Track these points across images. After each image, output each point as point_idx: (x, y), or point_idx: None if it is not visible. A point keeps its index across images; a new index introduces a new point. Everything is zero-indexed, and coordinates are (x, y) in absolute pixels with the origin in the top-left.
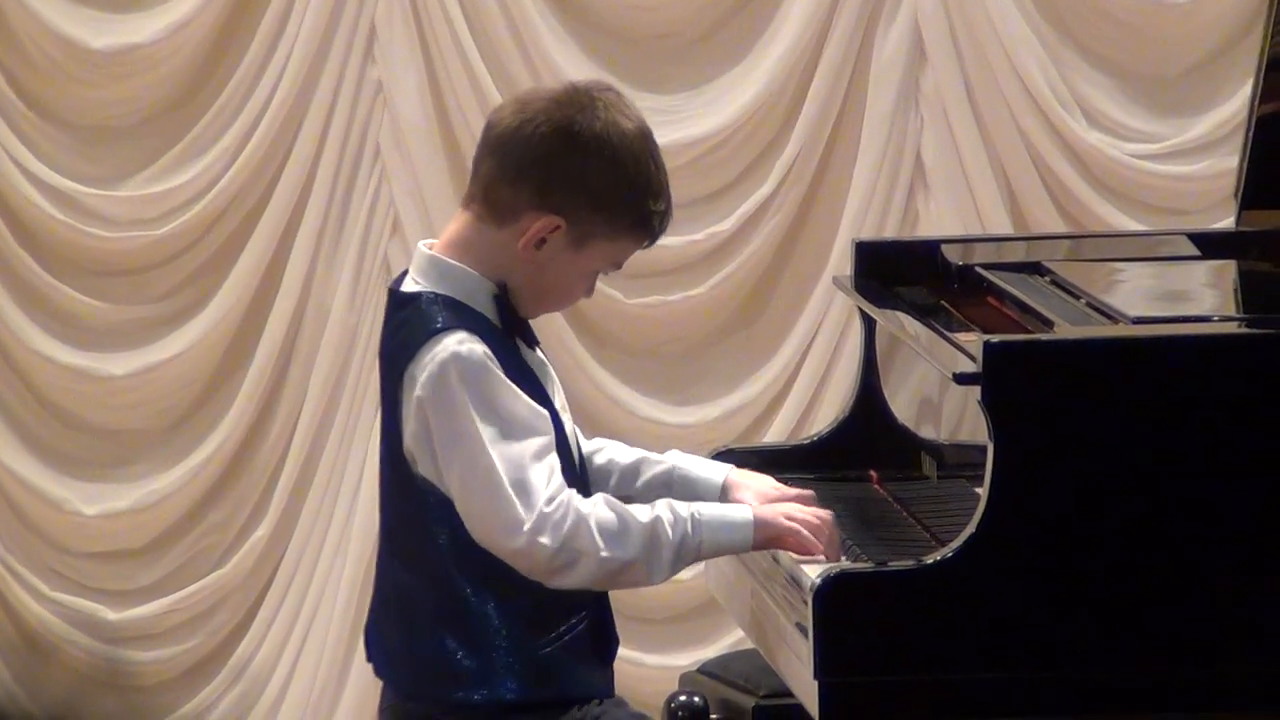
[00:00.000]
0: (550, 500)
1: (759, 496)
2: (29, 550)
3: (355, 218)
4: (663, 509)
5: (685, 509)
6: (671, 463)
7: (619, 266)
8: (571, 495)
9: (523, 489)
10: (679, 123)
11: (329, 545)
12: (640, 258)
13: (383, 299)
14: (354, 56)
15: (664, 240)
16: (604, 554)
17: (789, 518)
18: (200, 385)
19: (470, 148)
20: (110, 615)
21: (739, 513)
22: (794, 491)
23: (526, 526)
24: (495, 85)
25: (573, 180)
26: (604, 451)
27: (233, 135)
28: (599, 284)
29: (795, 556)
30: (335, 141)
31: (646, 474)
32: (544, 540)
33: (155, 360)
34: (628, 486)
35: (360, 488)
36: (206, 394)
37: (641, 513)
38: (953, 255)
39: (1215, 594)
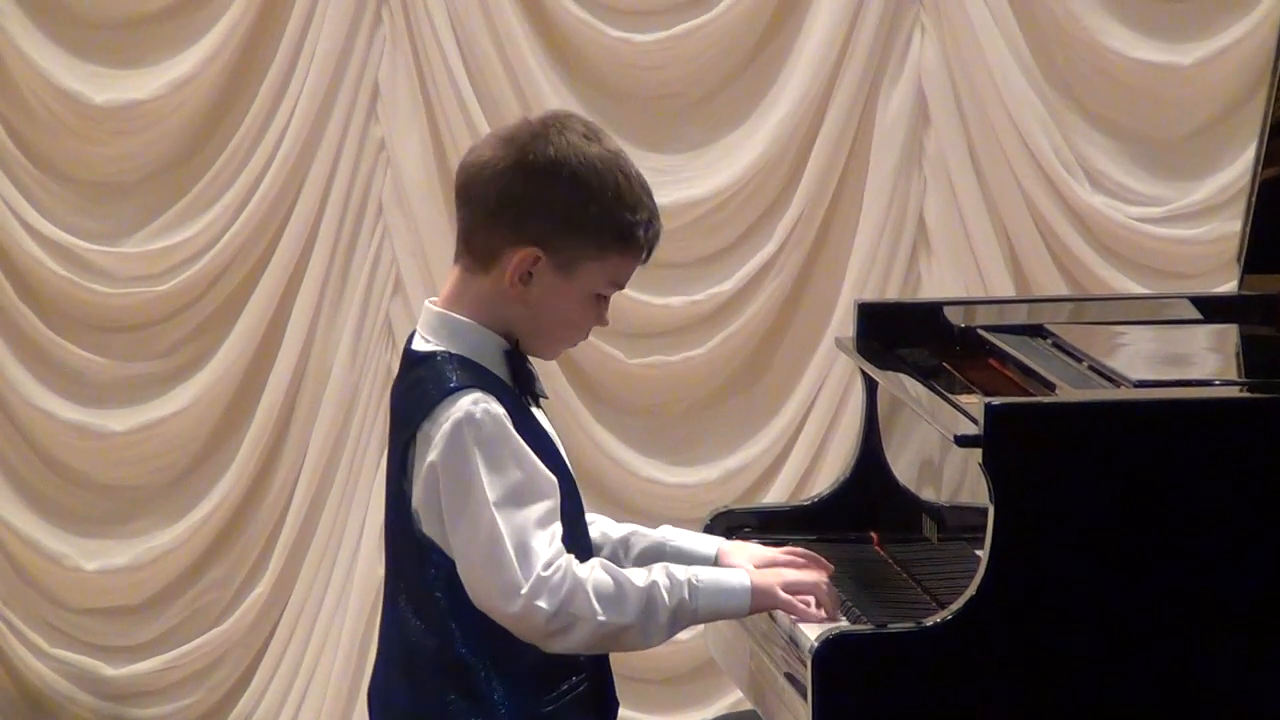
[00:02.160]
0: (548, 565)
1: (751, 561)
2: (29, 606)
3: (357, 275)
4: (659, 574)
5: (683, 573)
6: (663, 535)
7: (620, 286)
8: (570, 560)
9: (524, 553)
10: (681, 183)
11: (329, 602)
12: (641, 318)
13: (384, 357)
14: (357, 114)
15: (665, 300)
16: (600, 618)
17: (786, 586)
18: (201, 442)
19: None
20: (109, 671)
21: (736, 578)
22: (782, 553)
23: (524, 590)
24: None
25: (539, 208)
26: (595, 525)
27: (235, 192)
28: (599, 343)
29: (794, 616)
30: (338, 199)
31: (638, 546)
32: (541, 604)
33: (156, 417)
34: (620, 560)
35: (360, 545)
36: (207, 451)
37: (638, 577)
38: (955, 317)
39: (1218, 660)
